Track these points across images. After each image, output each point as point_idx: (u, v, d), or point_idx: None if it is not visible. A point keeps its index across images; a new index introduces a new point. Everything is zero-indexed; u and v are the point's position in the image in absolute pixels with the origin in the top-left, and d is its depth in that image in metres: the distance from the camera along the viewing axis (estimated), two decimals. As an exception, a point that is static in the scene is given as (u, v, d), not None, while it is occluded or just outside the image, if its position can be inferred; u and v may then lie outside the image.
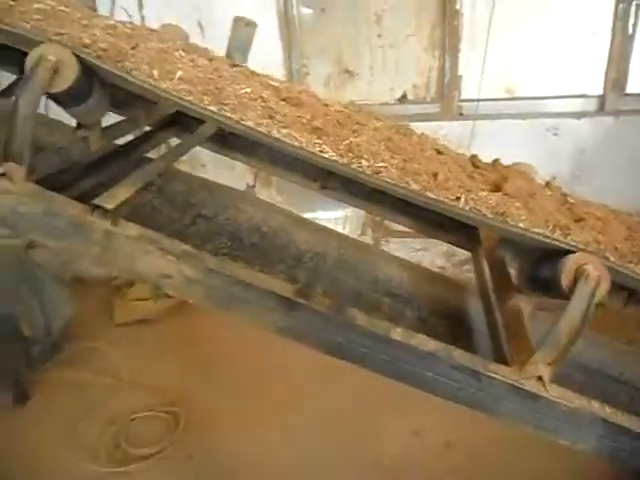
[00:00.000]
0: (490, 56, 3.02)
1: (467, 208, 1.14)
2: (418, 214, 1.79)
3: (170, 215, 1.33)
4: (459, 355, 1.06)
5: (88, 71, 1.06)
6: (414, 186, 1.13)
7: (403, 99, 3.28)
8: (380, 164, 1.15)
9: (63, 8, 1.31)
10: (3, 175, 1.02)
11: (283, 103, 1.23)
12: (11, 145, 1.02)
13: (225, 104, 1.11)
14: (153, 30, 1.62)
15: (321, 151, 1.12)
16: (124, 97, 1.52)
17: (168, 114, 1.71)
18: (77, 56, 1.03)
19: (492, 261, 1.55)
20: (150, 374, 2.93)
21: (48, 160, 1.12)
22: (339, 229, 3.20)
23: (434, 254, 3.49)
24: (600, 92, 3.13)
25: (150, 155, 1.63)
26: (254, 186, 3.30)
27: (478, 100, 3.10)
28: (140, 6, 3.13)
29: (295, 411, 2.67)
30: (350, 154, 1.14)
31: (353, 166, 1.12)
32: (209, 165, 3.25)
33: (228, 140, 1.79)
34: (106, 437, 2.51)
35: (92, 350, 3.10)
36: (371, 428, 2.57)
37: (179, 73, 1.14)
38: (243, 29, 1.52)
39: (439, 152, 1.40)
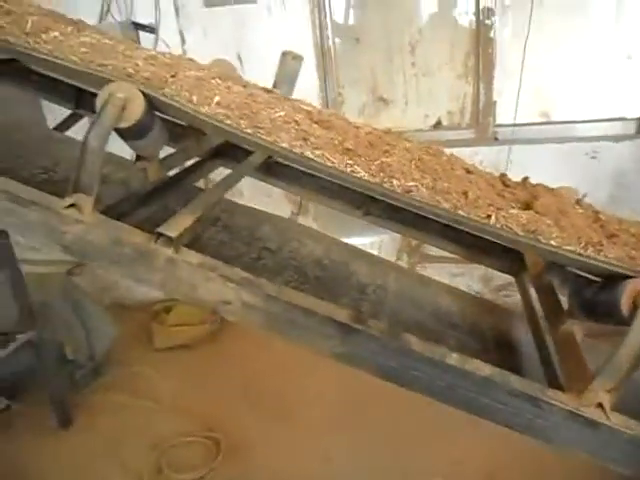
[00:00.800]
0: (525, 81, 3.03)
1: (498, 226, 1.15)
2: (461, 239, 1.80)
3: (238, 249, 1.36)
4: (516, 381, 1.05)
5: (152, 107, 1.12)
6: (444, 204, 1.15)
7: (438, 125, 3.31)
8: (411, 183, 1.17)
9: (107, 41, 1.40)
10: (73, 206, 1.08)
11: (315, 126, 1.27)
12: (81, 177, 1.08)
13: (260, 127, 1.15)
14: (191, 60, 1.71)
15: (353, 171, 1.15)
16: (178, 130, 1.59)
17: (215, 145, 1.77)
18: (144, 93, 1.09)
19: (540, 287, 1.54)
20: (190, 399, 2.97)
21: (111, 191, 1.17)
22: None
23: (471, 279, 3.47)
24: (639, 115, 3.11)
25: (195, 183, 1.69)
26: (298, 214, 3.35)
27: (513, 125, 3.11)
28: (182, 41, 3.25)
29: (334, 437, 2.66)
30: (381, 174, 1.17)
31: (385, 185, 1.15)
32: (246, 192, 3.32)
33: (273, 168, 1.85)
34: (148, 461, 2.54)
35: (133, 374, 3.16)
36: (411, 456, 2.54)
37: (216, 98, 1.19)
38: (290, 62, 1.58)
39: (468, 171, 1.41)
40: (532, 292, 1.61)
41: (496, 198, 1.28)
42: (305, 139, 1.17)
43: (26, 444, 2.69)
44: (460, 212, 1.14)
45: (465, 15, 3.11)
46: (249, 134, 1.17)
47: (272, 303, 1.06)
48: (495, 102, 3.18)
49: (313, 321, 1.06)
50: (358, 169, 1.15)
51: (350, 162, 1.16)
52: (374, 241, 3.52)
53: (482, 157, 3.02)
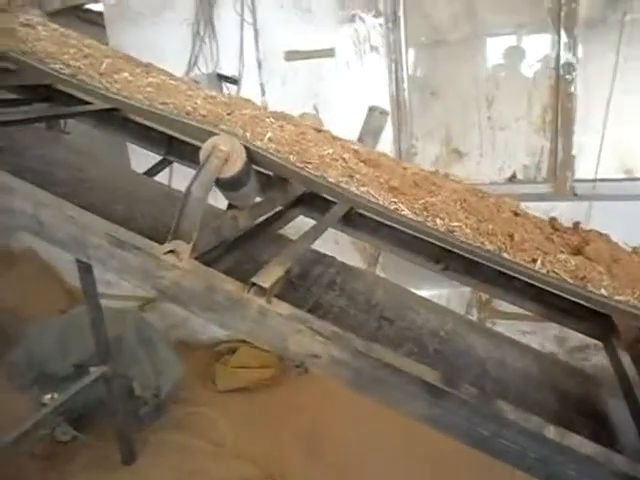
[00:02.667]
0: (607, 136, 2.95)
1: (544, 271, 1.10)
2: (541, 298, 1.73)
3: (357, 317, 1.36)
4: (621, 461, 0.98)
5: (251, 160, 1.17)
6: (489, 246, 1.13)
7: (513, 179, 3.26)
8: (455, 223, 1.15)
9: (172, 82, 1.50)
10: (172, 252, 1.12)
11: (362, 164, 1.29)
12: (180, 224, 1.12)
13: (309, 163, 1.18)
14: (248, 100, 1.78)
15: (397, 209, 1.15)
16: (264, 179, 1.64)
17: (298, 194, 1.80)
18: (245, 147, 1.13)
19: (635, 353, 1.45)
20: (250, 443, 2.95)
21: (203, 237, 1.21)
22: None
23: (544, 338, 3.31)
24: None
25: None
26: (375, 265, 3.35)
27: (594, 180, 3.01)
28: (262, 92, 3.40)
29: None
30: (425, 213, 1.16)
31: (428, 224, 1.14)
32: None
33: (352, 219, 1.86)
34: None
35: (195, 415, 3.18)
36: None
37: (268, 135, 1.23)
38: (377, 117, 1.61)
39: (516, 214, 1.38)
40: (624, 357, 1.51)
41: (544, 242, 1.24)
42: (351, 176, 1.19)
43: (89, 477, 2.74)
44: (504, 254, 1.12)
45: (544, 70, 3.09)
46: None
47: (361, 359, 1.04)
48: (574, 156, 3.10)
49: (402, 380, 1.04)
50: (402, 207, 1.16)
51: (394, 200, 1.17)
52: (442, 293, 3.44)
53: (560, 212, 2.92)
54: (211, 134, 1.15)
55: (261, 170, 1.33)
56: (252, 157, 1.16)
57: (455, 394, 1.02)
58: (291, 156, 1.19)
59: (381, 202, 1.16)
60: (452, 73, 3.29)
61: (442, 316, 1.53)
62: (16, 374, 3.08)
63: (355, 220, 1.85)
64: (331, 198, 1.75)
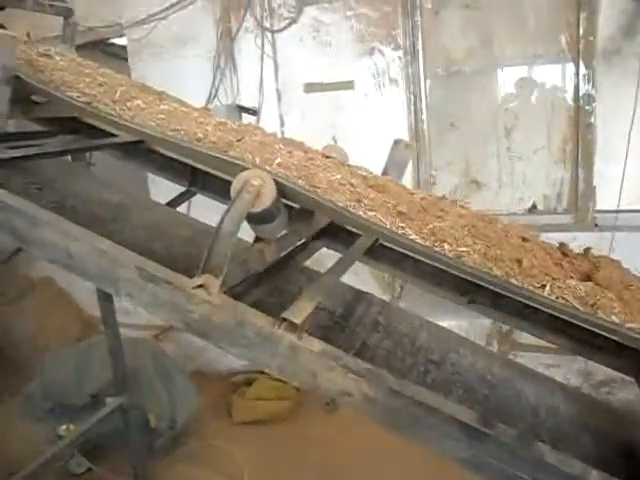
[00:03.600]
0: (629, 167, 2.93)
1: (552, 297, 1.07)
2: (570, 332, 1.69)
3: (405, 360, 1.34)
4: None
5: (281, 194, 1.16)
6: (496, 272, 1.11)
7: (533, 209, 3.23)
8: (462, 248, 1.14)
9: (183, 109, 1.53)
10: (201, 286, 1.11)
11: (370, 189, 1.29)
12: (211, 258, 1.11)
13: (317, 187, 1.19)
14: (258, 127, 1.80)
15: (404, 234, 1.15)
16: (291, 212, 1.63)
17: (321, 226, 1.80)
18: (276, 181, 1.13)
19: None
20: (266, 476, 2.88)
21: (233, 271, 1.20)
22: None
23: (568, 371, 3.23)
24: None
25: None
26: (399, 297, 3.32)
27: (617, 211, 2.98)
28: (281, 123, 3.43)
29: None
30: (432, 237, 1.16)
31: (436, 249, 1.13)
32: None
33: (375, 251, 1.84)
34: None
35: (211, 447, 3.13)
36: None
37: (277, 160, 1.25)
38: (402, 150, 1.61)
39: (524, 239, 1.36)
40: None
41: (553, 268, 1.22)
42: (359, 200, 1.19)
43: (104, 511, 2.69)
44: (512, 280, 1.10)
45: (563, 101, 3.09)
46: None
47: (394, 398, 1.02)
48: (595, 187, 3.08)
49: (437, 420, 1.00)
50: (409, 232, 1.15)
51: (402, 225, 1.16)
52: (462, 325, 3.40)
53: (581, 243, 2.88)
54: (242, 168, 1.15)
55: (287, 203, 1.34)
56: (282, 191, 1.16)
57: (493, 436, 0.99)
58: (300, 180, 1.19)
59: (388, 226, 1.16)
60: (470, 104, 3.31)
61: (487, 358, 1.49)
62: (32, 405, 3.06)
63: (378, 252, 1.84)
64: (356, 230, 1.77)
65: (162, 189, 2.36)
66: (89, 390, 2.91)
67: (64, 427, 2.92)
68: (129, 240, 1.26)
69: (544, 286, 1.11)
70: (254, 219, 1.16)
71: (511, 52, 3.19)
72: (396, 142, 1.64)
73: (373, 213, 1.16)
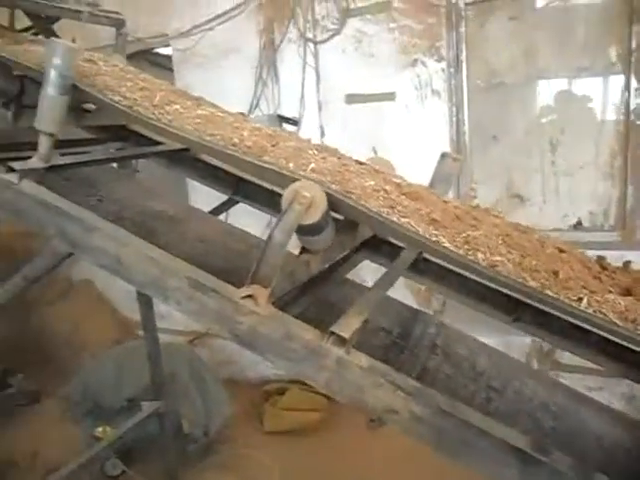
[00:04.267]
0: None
1: (590, 310, 1.03)
2: (621, 355, 1.62)
3: (467, 386, 1.31)
4: None
5: (331, 206, 1.15)
6: (531, 283, 1.07)
7: (578, 226, 3.15)
8: (496, 258, 1.11)
9: (220, 114, 1.54)
10: (250, 296, 1.11)
11: (404, 197, 1.27)
12: (260, 269, 1.11)
13: (351, 193, 1.18)
14: (292, 133, 1.78)
15: (437, 242, 1.12)
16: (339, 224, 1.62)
17: (365, 238, 1.78)
18: (326, 193, 1.12)
19: None
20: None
21: (280, 282, 1.20)
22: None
23: (611, 395, 3.11)
24: None
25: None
26: (441, 312, 3.27)
27: (667, 230, 2.88)
28: (322, 134, 3.44)
29: None
30: (466, 246, 1.13)
31: (469, 258, 1.10)
32: (370, 282, 3.30)
33: (419, 265, 1.82)
34: None
35: (242, 456, 3.12)
36: None
37: (311, 165, 1.25)
38: (450, 163, 1.58)
39: (561, 250, 1.31)
40: None
41: (591, 281, 1.17)
42: (392, 207, 1.18)
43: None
44: (548, 292, 1.06)
45: (612, 115, 3.01)
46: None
47: (444, 418, 0.99)
48: (644, 204, 2.98)
49: (488, 444, 0.97)
50: (443, 240, 1.13)
51: (435, 232, 1.14)
52: (499, 341, 3.31)
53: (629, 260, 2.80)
54: (293, 180, 1.14)
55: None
56: (332, 203, 1.15)
57: (547, 463, 0.95)
58: (333, 185, 1.19)
59: (421, 232, 1.14)
60: (512, 117, 3.25)
61: (550, 387, 1.43)
62: (71, 405, 3.12)
63: (422, 266, 1.81)
64: (399, 243, 1.74)
65: (202, 195, 2.38)
66: (126, 394, 2.95)
67: (100, 429, 2.97)
68: (186, 252, 1.27)
69: (581, 299, 1.07)
70: (304, 231, 1.15)
71: (555, 64, 3.13)
72: (443, 155, 1.62)
73: (406, 220, 1.16)
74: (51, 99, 1.28)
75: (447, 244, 1.13)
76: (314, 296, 1.45)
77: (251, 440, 3.31)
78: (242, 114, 1.68)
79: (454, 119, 3.20)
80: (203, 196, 2.29)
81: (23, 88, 1.70)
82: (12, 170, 1.32)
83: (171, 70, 3.83)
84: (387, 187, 1.27)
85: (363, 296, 1.23)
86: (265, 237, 1.12)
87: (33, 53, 1.56)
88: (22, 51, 1.62)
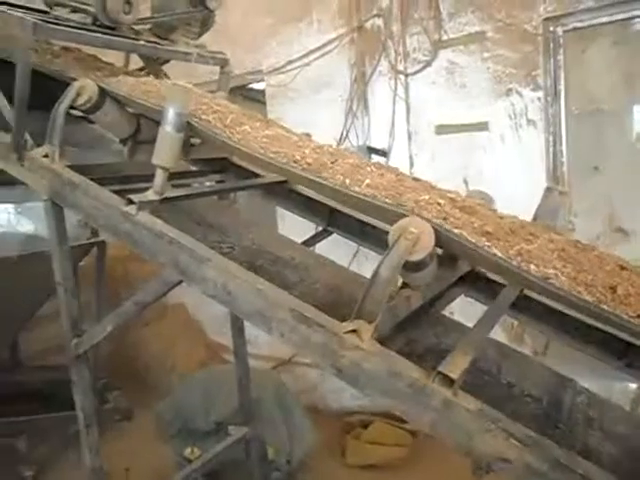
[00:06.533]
0: None
1: None
2: None
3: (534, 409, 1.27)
4: None
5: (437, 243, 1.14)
6: (586, 297, 1.03)
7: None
8: (550, 270, 1.08)
9: (284, 133, 1.62)
10: (354, 331, 1.11)
11: (457, 210, 1.26)
12: (365, 304, 1.11)
13: (404, 205, 1.19)
14: (354, 153, 1.82)
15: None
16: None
17: (463, 272, 1.74)
18: (435, 229, 1.11)
19: None
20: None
21: (383, 318, 1.19)
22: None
23: None
24: None
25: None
26: (544, 354, 3.13)
27: None
28: (411, 164, 3.43)
29: None
30: (519, 258, 1.10)
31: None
32: (456, 310, 3.21)
33: (518, 303, 1.74)
34: None
35: (324, 488, 3.09)
36: None
37: (367, 181, 1.29)
38: (555, 197, 1.52)
39: (622, 267, 1.23)
40: None
41: None
42: (445, 219, 1.18)
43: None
44: (604, 306, 1.03)
45: None
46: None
47: (562, 472, 0.93)
48: None
49: (612, 504, 0.90)
50: (495, 250, 1.11)
51: (488, 244, 1.13)
52: (600, 385, 3.09)
53: None
54: (400, 215, 1.14)
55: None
56: (438, 238, 1.14)
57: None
58: (387, 199, 1.22)
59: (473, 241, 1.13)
60: (611, 145, 3.08)
61: (601, 408, 1.35)
62: (162, 424, 3.23)
63: (521, 303, 1.74)
64: (499, 280, 1.68)
65: (291, 224, 2.42)
66: (215, 417, 3.01)
67: (189, 450, 3.04)
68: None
69: None
70: (409, 267, 1.14)
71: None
72: (549, 189, 1.56)
73: (459, 231, 1.14)
74: (169, 137, 1.37)
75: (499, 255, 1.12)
76: (412, 332, 1.43)
77: (333, 472, 3.27)
78: (307, 134, 1.74)
79: (551, 149, 3.08)
80: (292, 224, 2.34)
81: (139, 126, 1.82)
82: (131, 202, 1.42)
83: (263, 103, 3.98)
84: (441, 201, 1.28)
85: (467, 335, 1.19)
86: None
87: (149, 94, 1.68)
88: (140, 92, 1.74)
